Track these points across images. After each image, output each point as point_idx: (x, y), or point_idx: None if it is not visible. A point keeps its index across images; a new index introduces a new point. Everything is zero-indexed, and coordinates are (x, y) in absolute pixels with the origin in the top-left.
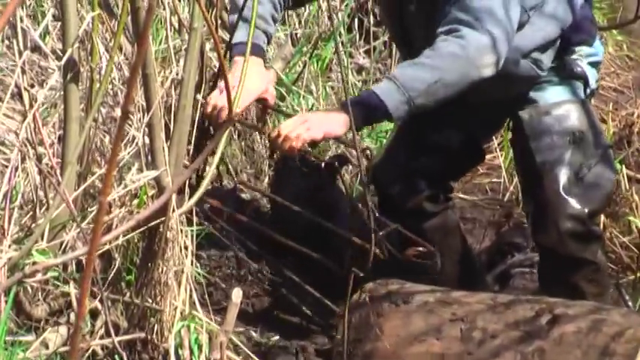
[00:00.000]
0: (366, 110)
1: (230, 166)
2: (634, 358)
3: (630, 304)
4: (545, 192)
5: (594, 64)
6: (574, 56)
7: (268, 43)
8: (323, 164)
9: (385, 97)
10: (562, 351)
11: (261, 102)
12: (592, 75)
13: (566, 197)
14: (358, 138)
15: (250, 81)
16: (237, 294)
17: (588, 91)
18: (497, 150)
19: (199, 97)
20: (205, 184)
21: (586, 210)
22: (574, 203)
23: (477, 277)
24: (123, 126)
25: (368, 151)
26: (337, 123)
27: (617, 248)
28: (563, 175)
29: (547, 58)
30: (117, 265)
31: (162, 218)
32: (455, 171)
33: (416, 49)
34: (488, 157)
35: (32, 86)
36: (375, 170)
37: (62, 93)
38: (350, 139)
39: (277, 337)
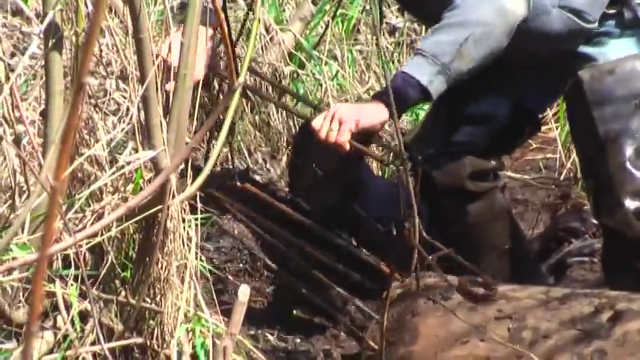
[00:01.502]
0: (398, 94)
1: (242, 144)
2: None
3: None
4: (608, 166)
5: None
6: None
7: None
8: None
9: (415, 72)
10: (625, 352)
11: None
12: None
13: (633, 171)
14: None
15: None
16: (244, 291)
17: None
18: (552, 121)
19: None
20: (210, 165)
21: None
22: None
23: (531, 268)
24: (78, 100)
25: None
26: (372, 112)
27: None
28: (630, 147)
29: (595, 6)
30: (110, 260)
31: (161, 206)
32: (504, 144)
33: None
34: (542, 129)
35: (13, 55)
36: (410, 145)
37: (43, 63)
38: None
39: (298, 340)
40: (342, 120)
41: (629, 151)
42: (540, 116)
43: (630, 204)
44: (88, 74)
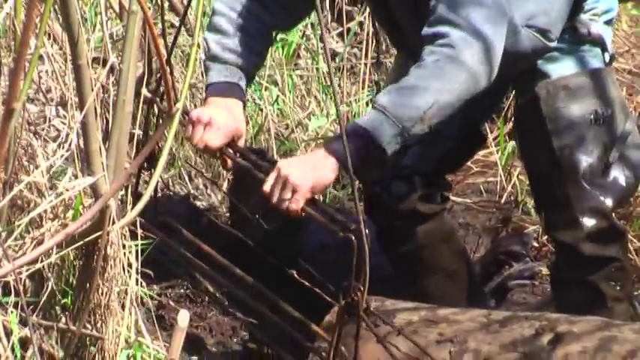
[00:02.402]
0: (355, 149)
1: (183, 170)
2: None
3: None
4: (563, 182)
5: (609, 22)
6: (587, 16)
7: (249, 78)
8: None
9: (375, 130)
10: None
11: (229, 145)
12: (608, 36)
13: (587, 188)
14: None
15: (220, 115)
16: (183, 317)
17: (607, 57)
18: (493, 145)
19: (144, 91)
20: (149, 191)
21: (610, 202)
22: (597, 195)
23: (476, 290)
24: (6, 126)
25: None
26: (326, 173)
27: (630, 255)
28: (585, 162)
29: (557, 25)
30: (50, 287)
31: (101, 232)
32: (452, 162)
33: (406, 36)
34: (482, 153)
35: None
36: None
37: None
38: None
39: None
40: (295, 187)
41: (583, 166)
42: (485, 132)
43: (585, 223)
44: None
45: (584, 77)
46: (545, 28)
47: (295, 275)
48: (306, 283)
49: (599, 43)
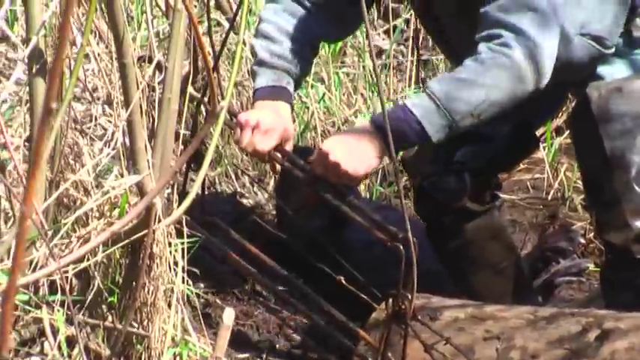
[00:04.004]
0: (401, 132)
1: (229, 168)
2: None
3: None
4: (614, 184)
5: None
6: None
7: (297, 83)
8: None
9: (425, 119)
10: None
11: (277, 148)
12: None
13: (639, 189)
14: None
15: (268, 118)
16: (229, 315)
17: None
18: (540, 142)
19: (190, 89)
20: (195, 189)
21: None
22: None
23: (525, 287)
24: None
25: None
26: (371, 154)
27: None
28: (636, 165)
29: (613, 31)
30: (96, 285)
31: (147, 230)
32: (504, 162)
33: (453, 47)
34: None
35: None
36: (407, 161)
37: (28, 88)
38: None
39: None
40: (340, 175)
41: (634, 169)
42: (539, 133)
43: (636, 223)
44: (55, 99)
45: (637, 81)
46: (600, 35)
47: (342, 281)
48: (352, 288)
49: None
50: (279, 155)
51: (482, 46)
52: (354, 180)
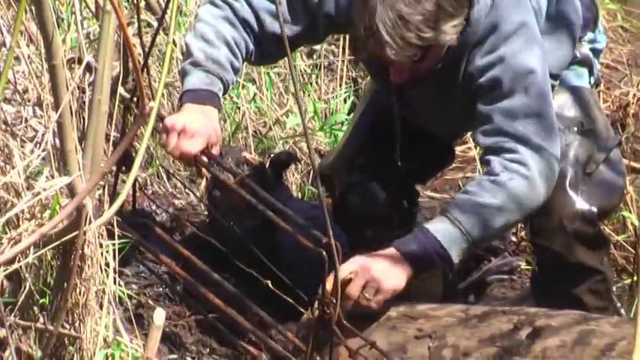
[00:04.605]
0: (427, 259)
1: (160, 169)
2: None
3: (622, 311)
4: None
5: (595, 52)
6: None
7: (225, 91)
8: (268, 163)
9: (450, 245)
10: None
11: (204, 152)
12: (595, 62)
13: (573, 194)
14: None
15: (195, 122)
16: (159, 315)
17: (592, 79)
18: (471, 140)
19: (121, 90)
20: (126, 190)
21: (595, 209)
22: (582, 200)
23: (448, 287)
24: None
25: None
26: (401, 276)
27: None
28: (570, 169)
29: (561, 66)
30: (28, 287)
31: (78, 231)
32: (423, 173)
33: (412, 107)
34: (461, 148)
35: None
36: (325, 170)
37: None
38: None
39: None
40: (381, 291)
41: (569, 173)
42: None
43: (570, 227)
44: None
45: (567, 93)
46: (557, 73)
47: (269, 285)
48: (279, 293)
49: (587, 64)
50: (205, 159)
51: (495, 163)
52: (385, 293)
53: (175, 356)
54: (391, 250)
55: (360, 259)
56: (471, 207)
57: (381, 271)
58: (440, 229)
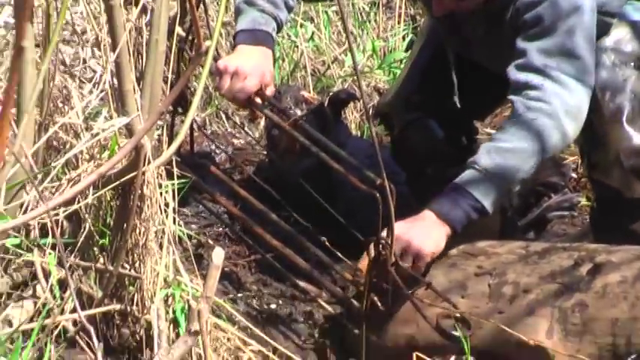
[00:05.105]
0: (463, 215)
1: (219, 109)
2: None
3: None
4: (605, 121)
5: None
6: None
7: (279, 30)
8: (327, 101)
9: (482, 196)
10: (606, 304)
11: (258, 94)
12: None
13: (630, 128)
14: (359, 67)
15: (247, 63)
16: (218, 254)
17: None
18: None
19: (179, 29)
20: (184, 130)
21: None
22: (639, 136)
23: (508, 224)
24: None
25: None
26: (439, 239)
27: None
28: (627, 104)
29: (620, 3)
30: (87, 228)
31: (137, 172)
32: (481, 109)
33: (466, 45)
34: None
35: None
36: (384, 108)
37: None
38: None
39: (280, 302)
40: (420, 255)
41: (626, 108)
42: None
43: (627, 163)
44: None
45: (626, 28)
46: (608, 9)
47: (325, 242)
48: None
49: None
50: (259, 101)
51: (518, 104)
52: (424, 258)
53: (239, 295)
54: (426, 213)
55: (396, 227)
56: (497, 153)
57: (419, 237)
58: (470, 181)
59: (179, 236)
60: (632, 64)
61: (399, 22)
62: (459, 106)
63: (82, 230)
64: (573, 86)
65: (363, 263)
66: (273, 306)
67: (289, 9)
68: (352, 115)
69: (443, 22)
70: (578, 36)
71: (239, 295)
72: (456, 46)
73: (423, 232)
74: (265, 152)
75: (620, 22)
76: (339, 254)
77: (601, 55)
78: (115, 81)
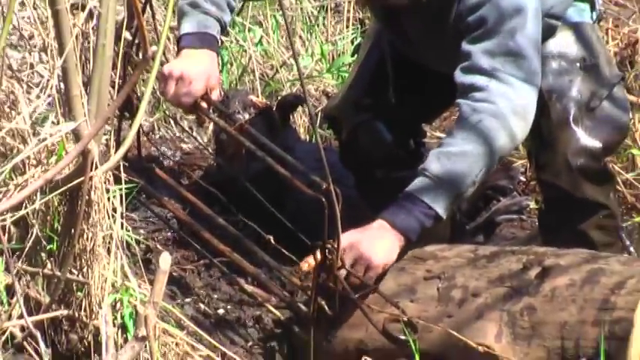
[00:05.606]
0: (416, 223)
1: (167, 113)
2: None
3: (632, 249)
4: (552, 123)
5: None
6: None
7: (222, 32)
8: (275, 105)
9: (434, 202)
10: (555, 308)
11: (204, 98)
12: None
13: (577, 129)
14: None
15: (192, 67)
16: (165, 259)
17: (595, 15)
18: None
19: (126, 34)
20: (132, 135)
21: (599, 145)
22: (586, 136)
23: (457, 228)
24: None
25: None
26: (392, 249)
27: (619, 186)
28: (573, 105)
29: (564, 6)
30: (35, 233)
31: (84, 177)
32: (429, 112)
33: (411, 45)
34: None
35: None
36: (332, 112)
37: None
38: None
39: (229, 307)
40: (371, 267)
41: (572, 108)
42: None
43: (574, 162)
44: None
45: (569, 31)
46: (555, 11)
47: (272, 241)
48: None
49: None
50: (204, 106)
51: (464, 107)
52: (375, 269)
53: (186, 300)
54: (379, 222)
55: (348, 236)
56: (446, 158)
57: (370, 247)
58: (421, 188)
59: (127, 241)
60: (578, 64)
61: (347, 26)
62: (393, 101)
63: (29, 236)
64: (519, 86)
65: (303, 264)
66: (221, 311)
67: (232, 10)
68: (301, 120)
69: (385, 21)
70: (521, 36)
71: (187, 299)
72: (401, 46)
73: (375, 242)
74: (214, 157)
75: (563, 25)
76: (290, 254)
77: (548, 61)
78: (63, 86)
